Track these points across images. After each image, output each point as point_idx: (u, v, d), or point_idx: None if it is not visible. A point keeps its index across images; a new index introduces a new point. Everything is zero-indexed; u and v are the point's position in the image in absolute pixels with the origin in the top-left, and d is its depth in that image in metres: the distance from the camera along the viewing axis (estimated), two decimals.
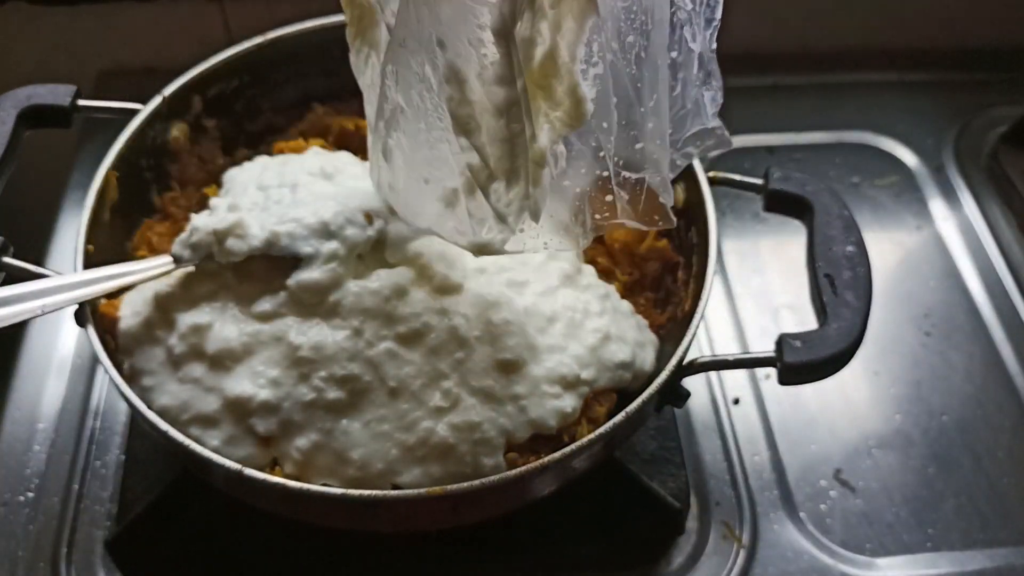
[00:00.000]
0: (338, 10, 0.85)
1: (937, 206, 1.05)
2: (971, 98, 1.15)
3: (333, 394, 0.65)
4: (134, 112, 0.78)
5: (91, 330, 0.66)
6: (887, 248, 1.01)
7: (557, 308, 0.72)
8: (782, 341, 0.65)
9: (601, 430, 0.63)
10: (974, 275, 0.99)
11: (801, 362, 0.64)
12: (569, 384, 0.69)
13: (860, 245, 0.70)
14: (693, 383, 0.85)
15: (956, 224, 1.04)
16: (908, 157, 1.10)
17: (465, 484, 0.61)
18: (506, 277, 0.72)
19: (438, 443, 0.64)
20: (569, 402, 0.68)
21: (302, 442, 0.65)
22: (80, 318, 0.67)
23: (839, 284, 0.67)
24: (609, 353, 0.71)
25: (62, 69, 1.07)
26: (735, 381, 0.89)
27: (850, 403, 0.88)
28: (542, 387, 0.68)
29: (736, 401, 0.87)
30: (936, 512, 0.82)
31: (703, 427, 0.86)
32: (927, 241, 1.02)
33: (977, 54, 1.18)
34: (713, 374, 0.89)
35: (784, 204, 0.74)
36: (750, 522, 0.80)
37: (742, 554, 0.78)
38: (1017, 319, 0.95)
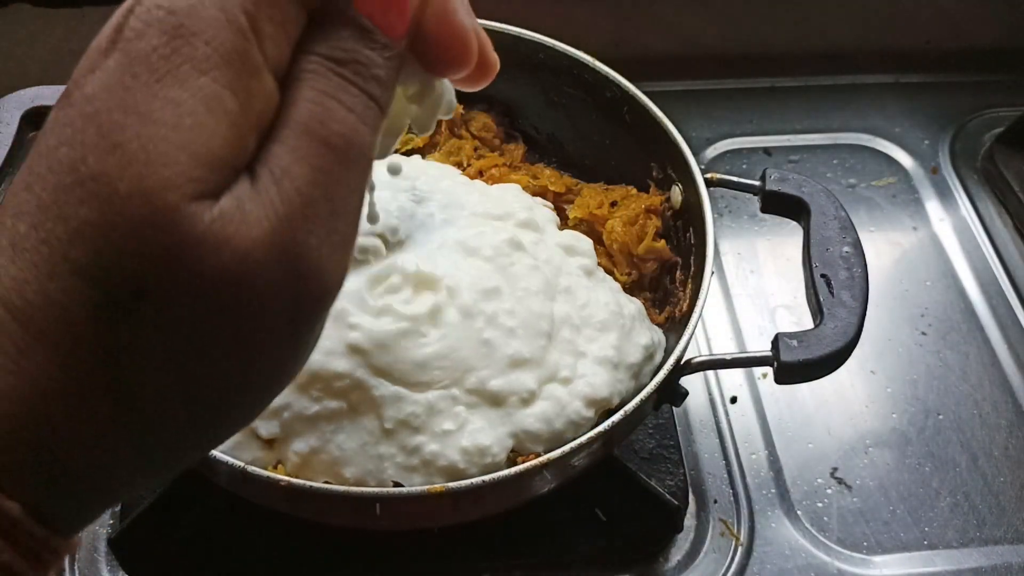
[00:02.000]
0: None
1: (933, 207, 1.06)
2: (967, 100, 1.16)
3: (332, 404, 0.66)
4: None
5: None
6: (883, 249, 1.02)
7: (604, 317, 0.71)
8: (778, 340, 0.65)
9: (600, 428, 0.63)
10: (970, 275, 0.99)
11: (797, 361, 0.65)
12: (595, 403, 0.68)
13: (856, 246, 0.70)
14: (691, 382, 0.86)
15: (952, 225, 1.04)
16: (904, 158, 1.10)
17: (466, 482, 0.62)
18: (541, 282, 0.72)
19: (446, 466, 0.64)
20: (590, 416, 0.68)
21: (300, 446, 0.66)
22: None
23: (835, 284, 0.68)
24: (645, 371, 0.71)
25: (66, 71, 1.08)
26: (732, 380, 0.89)
27: (847, 402, 0.89)
28: (574, 404, 0.67)
29: (733, 400, 0.88)
30: (932, 510, 0.82)
31: (701, 425, 0.86)
32: (923, 242, 1.03)
33: (973, 56, 1.18)
34: (711, 373, 0.90)
35: (781, 205, 0.75)
36: (747, 520, 0.81)
37: (740, 551, 0.79)
38: (1012, 319, 0.96)
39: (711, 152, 1.09)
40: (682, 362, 0.67)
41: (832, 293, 0.68)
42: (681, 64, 1.14)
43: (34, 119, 0.76)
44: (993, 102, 1.15)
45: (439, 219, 0.73)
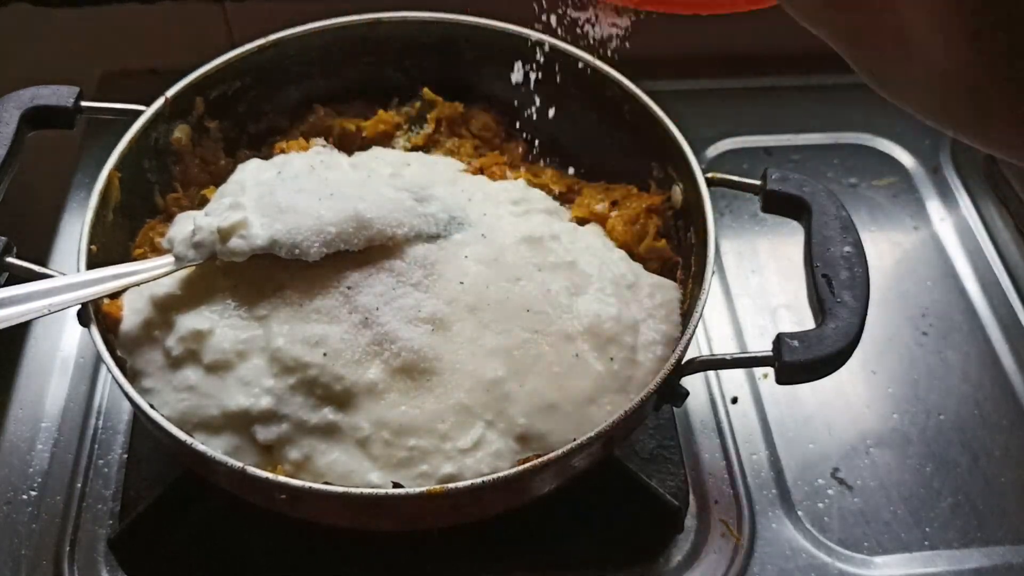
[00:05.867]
0: (338, 12, 0.85)
1: (934, 207, 1.06)
2: None
3: (326, 408, 0.66)
4: (137, 113, 0.78)
5: (94, 330, 0.66)
6: (884, 248, 1.02)
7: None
8: (780, 341, 0.65)
9: (600, 428, 0.63)
10: (971, 275, 0.99)
11: (799, 361, 0.64)
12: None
13: (858, 245, 0.70)
14: (691, 382, 0.85)
15: (953, 224, 1.04)
16: (905, 158, 1.10)
17: (466, 483, 0.62)
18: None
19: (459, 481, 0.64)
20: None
21: (295, 454, 0.66)
22: (83, 318, 0.67)
23: (836, 284, 0.68)
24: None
25: (65, 70, 1.07)
26: (733, 380, 0.89)
27: (848, 402, 0.89)
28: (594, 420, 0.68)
29: (734, 400, 0.88)
30: (933, 511, 0.82)
31: (702, 426, 0.86)
32: (924, 241, 1.03)
33: None
34: (711, 373, 0.89)
35: (782, 205, 0.75)
36: (748, 520, 0.81)
37: (740, 552, 0.79)
38: (1013, 319, 0.96)
39: (712, 152, 1.09)
40: (683, 362, 0.67)
41: (833, 293, 0.67)
42: (682, 64, 1.14)
43: (33, 119, 0.76)
44: None
45: (464, 218, 0.74)
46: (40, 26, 1.07)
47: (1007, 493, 0.83)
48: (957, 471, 0.85)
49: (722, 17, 1.15)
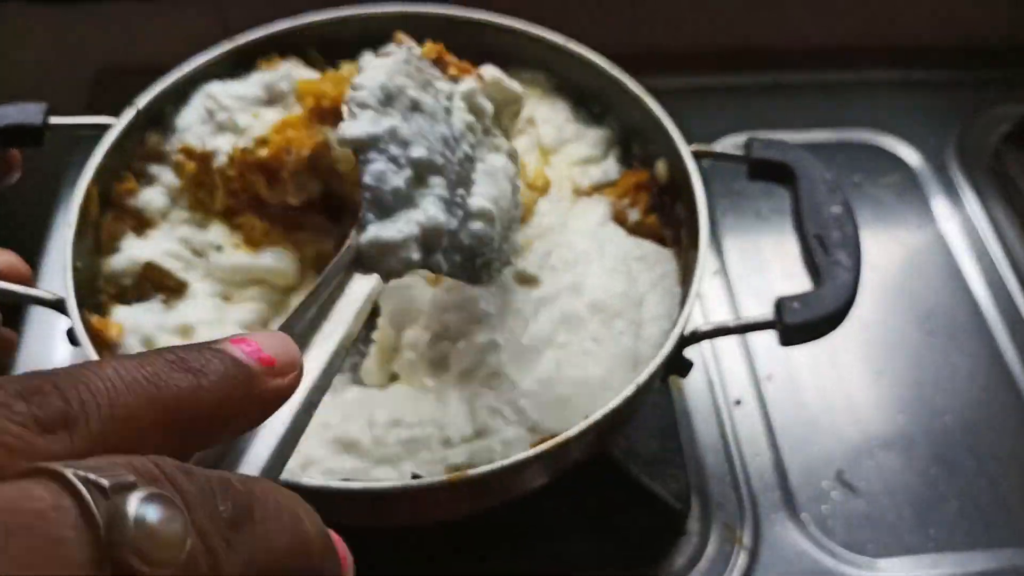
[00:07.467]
0: (319, 5, 0.83)
1: (940, 205, 1.05)
2: (974, 97, 1.15)
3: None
4: (108, 126, 0.74)
5: (90, 349, 0.63)
6: (889, 247, 1.01)
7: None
8: (781, 304, 0.65)
9: (613, 405, 0.61)
10: (977, 275, 0.98)
11: (802, 322, 0.64)
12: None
13: (846, 205, 0.70)
14: (694, 384, 0.85)
15: (959, 223, 1.03)
16: (911, 156, 1.09)
17: (475, 471, 0.59)
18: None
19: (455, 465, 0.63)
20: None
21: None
22: (73, 338, 0.64)
23: (829, 245, 0.68)
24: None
25: (61, 68, 1.07)
26: (737, 382, 0.88)
27: (852, 404, 0.88)
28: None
29: (738, 402, 0.87)
30: (939, 513, 0.81)
31: (705, 428, 0.85)
32: (929, 240, 1.02)
33: (980, 52, 1.17)
34: (715, 375, 0.89)
35: (768, 171, 0.74)
36: (752, 523, 0.80)
37: (743, 555, 0.78)
38: (1020, 319, 0.95)
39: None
40: (686, 333, 0.66)
41: (828, 253, 0.67)
42: (685, 60, 1.13)
43: (1, 137, 0.71)
44: (1000, 99, 1.14)
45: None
46: (36, 23, 1.06)
47: (1013, 495, 0.83)
48: (963, 473, 0.84)
49: (726, 14, 1.14)
